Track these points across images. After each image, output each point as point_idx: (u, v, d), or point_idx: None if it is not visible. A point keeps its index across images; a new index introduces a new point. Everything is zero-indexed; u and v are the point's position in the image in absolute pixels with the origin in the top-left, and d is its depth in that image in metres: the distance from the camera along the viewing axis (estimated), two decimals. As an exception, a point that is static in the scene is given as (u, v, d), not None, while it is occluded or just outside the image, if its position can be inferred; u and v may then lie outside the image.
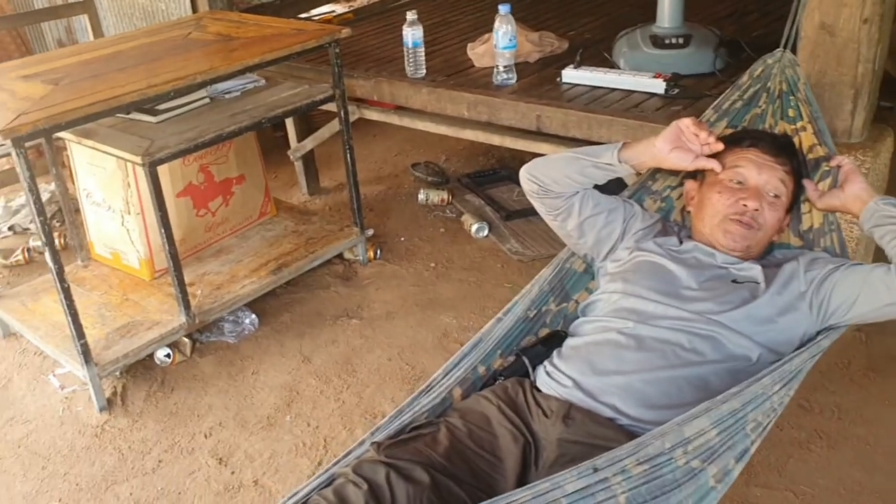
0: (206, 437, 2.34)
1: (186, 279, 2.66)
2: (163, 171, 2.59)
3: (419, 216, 3.52)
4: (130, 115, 2.56)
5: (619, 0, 3.80)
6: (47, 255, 2.17)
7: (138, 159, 2.30)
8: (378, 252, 3.18)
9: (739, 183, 1.72)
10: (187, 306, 2.54)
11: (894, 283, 1.53)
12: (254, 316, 2.78)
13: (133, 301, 2.67)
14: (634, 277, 1.69)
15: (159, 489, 2.16)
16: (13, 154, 2.06)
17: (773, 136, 1.85)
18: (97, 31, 3.70)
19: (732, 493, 1.99)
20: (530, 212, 3.40)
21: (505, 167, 3.84)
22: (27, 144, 2.09)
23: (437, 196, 3.57)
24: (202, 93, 2.68)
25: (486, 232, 3.30)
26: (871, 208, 1.66)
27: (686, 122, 1.70)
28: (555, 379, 1.58)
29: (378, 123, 3.40)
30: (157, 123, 2.54)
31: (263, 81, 2.92)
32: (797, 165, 1.79)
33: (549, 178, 1.77)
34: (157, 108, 2.55)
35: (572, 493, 1.21)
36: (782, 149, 1.76)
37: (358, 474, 1.38)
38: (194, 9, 3.66)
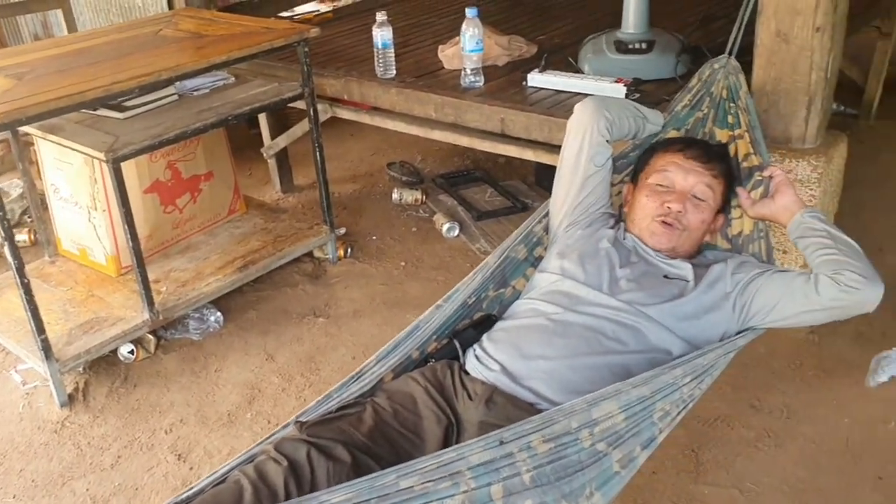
0: (166, 433, 2.36)
1: (153, 276, 2.68)
2: (129, 167, 2.62)
3: (392, 215, 3.55)
4: (98, 112, 2.58)
5: (593, 6, 3.84)
6: (6, 251, 2.18)
7: (102, 155, 2.32)
8: (348, 250, 3.21)
9: (667, 186, 1.80)
10: (151, 303, 2.56)
11: (812, 293, 1.58)
12: (219, 313, 2.80)
13: (98, 297, 2.69)
14: (576, 259, 1.76)
15: (116, 485, 2.18)
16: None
17: (706, 143, 1.93)
18: (71, 25, 3.71)
19: (680, 489, 2.05)
20: (501, 212, 3.45)
21: (479, 168, 3.88)
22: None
23: (410, 196, 3.60)
24: (170, 90, 2.71)
25: (456, 232, 3.33)
26: (797, 220, 1.71)
27: None
28: (483, 363, 1.63)
29: (356, 123, 3.42)
30: (124, 120, 2.56)
31: (233, 79, 2.94)
32: (727, 170, 1.85)
33: (617, 114, 1.91)
34: (124, 104, 2.57)
35: (477, 465, 1.23)
36: (712, 155, 1.84)
37: (279, 451, 1.41)
38: (170, 6, 3.68)
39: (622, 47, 2.77)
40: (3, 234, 2.16)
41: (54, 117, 2.31)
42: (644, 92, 2.59)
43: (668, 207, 1.77)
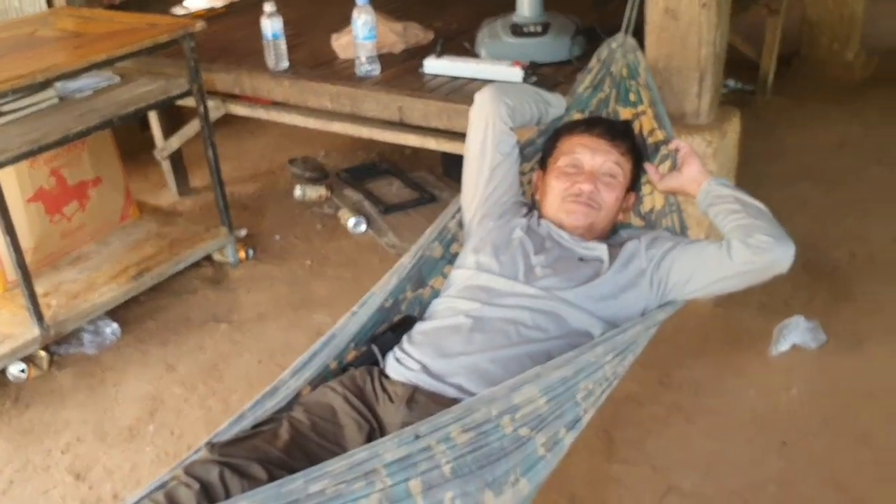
0: (62, 453, 2.23)
1: (41, 289, 2.54)
2: (8, 175, 2.48)
3: (296, 213, 3.46)
4: (-32, 118, 2.42)
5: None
6: None
7: (-28, 164, 2.17)
8: (250, 252, 3.11)
9: (576, 167, 1.79)
10: (40, 318, 2.42)
11: (726, 259, 1.58)
12: (115, 325, 2.67)
13: (-18, 315, 2.53)
14: (490, 251, 1.74)
15: (9, 511, 2.06)
16: None
17: (609, 121, 1.93)
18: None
19: (594, 470, 2.05)
20: (409, 205, 3.40)
21: (385, 161, 3.82)
22: None
23: (314, 192, 3.52)
24: (50, 92, 2.55)
25: (363, 227, 3.26)
26: (705, 189, 1.72)
27: None
28: (403, 364, 1.58)
29: (255, 121, 3.32)
30: (1, 125, 2.41)
31: (118, 79, 2.80)
32: (633, 147, 1.85)
33: (517, 100, 1.88)
34: (0, 108, 2.42)
35: (392, 462, 1.18)
36: (617, 133, 1.83)
37: (190, 475, 1.34)
38: (49, 5, 3.49)
39: (518, 31, 2.76)
40: None
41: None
42: (541, 75, 2.59)
43: (580, 188, 1.76)
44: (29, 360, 2.48)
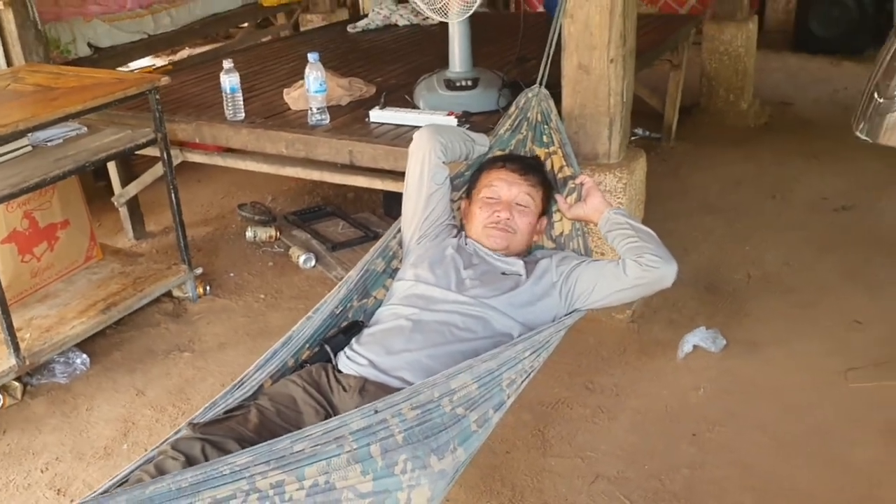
0: (42, 471, 2.40)
1: (14, 324, 2.71)
2: (-16, 218, 2.66)
3: (248, 253, 3.69)
4: (-52, 166, 2.62)
5: (422, 50, 4.20)
6: None
7: (-41, 206, 2.37)
8: (207, 288, 3.33)
9: (494, 198, 2.13)
10: (17, 349, 2.59)
11: (621, 274, 1.93)
12: (84, 356, 2.85)
13: (-42, 348, 2.68)
14: (427, 266, 2.04)
15: (-4, 526, 2.21)
16: None
17: (522, 158, 2.28)
18: None
19: (531, 463, 2.34)
20: (355, 242, 3.67)
21: (329, 204, 4.09)
22: None
23: (264, 233, 3.76)
24: (24, 141, 2.77)
25: (313, 262, 3.52)
26: (605, 217, 2.07)
27: None
28: (353, 361, 1.86)
29: (203, 169, 3.55)
30: (-23, 172, 2.61)
31: (85, 129, 3.02)
32: (543, 179, 2.19)
33: (449, 139, 2.19)
34: (-24, 157, 2.62)
35: (356, 430, 1.46)
36: (528, 168, 2.18)
37: (176, 449, 1.58)
38: (8, 63, 3.69)
39: (451, 85, 3.10)
40: None
41: None
42: (473, 123, 2.92)
43: (498, 216, 2.09)
44: (3, 389, 2.64)
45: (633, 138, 4.60)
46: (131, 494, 1.30)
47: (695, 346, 2.74)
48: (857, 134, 2.00)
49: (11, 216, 2.85)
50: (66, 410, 2.66)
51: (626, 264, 1.92)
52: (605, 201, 2.11)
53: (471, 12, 2.80)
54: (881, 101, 1.84)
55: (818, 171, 4.21)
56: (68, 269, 3.13)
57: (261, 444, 1.38)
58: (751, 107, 5.07)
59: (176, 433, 1.71)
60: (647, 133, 4.77)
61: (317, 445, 1.41)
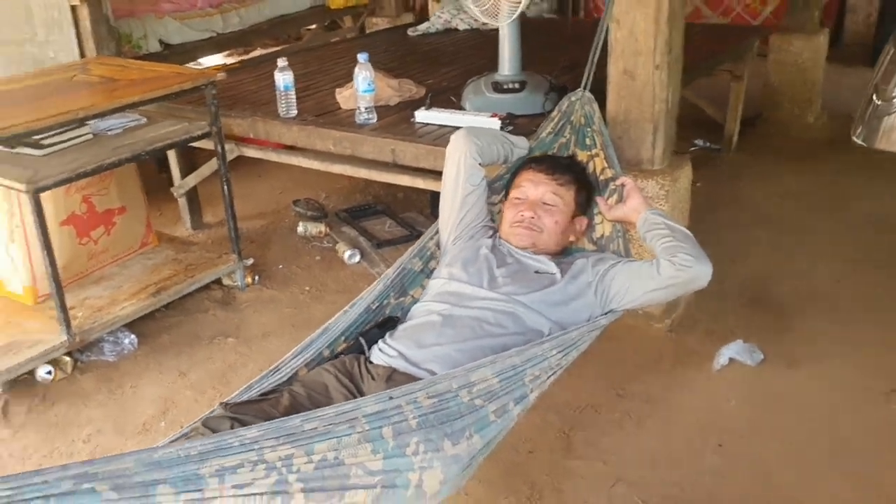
0: (84, 442, 2.52)
1: (68, 303, 2.84)
2: (46, 200, 2.79)
3: (298, 247, 3.79)
4: (16, 150, 2.76)
5: (477, 54, 4.23)
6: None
7: (23, 186, 2.51)
8: (256, 278, 3.43)
9: (522, 198, 2.16)
10: (68, 325, 2.73)
11: (655, 274, 1.92)
12: (133, 336, 2.98)
13: (16, 323, 2.83)
14: (460, 265, 2.07)
15: (38, 489, 2.33)
16: None
17: (553, 158, 2.30)
18: (-16, 75, 3.86)
19: (553, 464, 2.34)
20: (399, 241, 3.73)
21: (379, 203, 4.17)
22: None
23: (315, 228, 3.86)
24: (85, 129, 2.90)
25: (357, 258, 3.59)
26: (643, 218, 2.06)
27: None
28: (384, 352, 1.90)
29: (263, 165, 3.66)
30: (42, 157, 2.75)
31: (145, 120, 3.16)
32: (574, 178, 2.19)
33: (486, 141, 2.24)
34: (42, 142, 2.76)
35: (370, 413, 1.48)
36: (557, 167, 2.19)
37: (206, 426, 1.65)
38: (82, 56, 3.88)
39: (498, 87, 3.13)
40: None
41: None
42: (517, 125, 2.94)
43: (522, 214, 2.12)
44: (55, 364, 2.78)
45: (692, 149, 4.58)
46: (139, 456, 1.36)
47: (731, 359, 2.70)
48: (854, 139, 1.95)
49: (70, 200, 2.99)
50: (111, 388, 2.78)
51: (661, 264, 1.91)
52: (644, 202, 2.10)
53: (517, 14, 2.82)
54: (879, 103, 1.79)
55: (879, 189, 4.08)
56: (124, 253, 3.27)
57: (272, 421, 1.43)
58: (818, 120, 4.94)
59: (210, 412, 1.78)
60: (708, 144, 4.70)
61: (329, 425, 1.44)
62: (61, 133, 2.78)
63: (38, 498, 1.09)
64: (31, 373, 2.75)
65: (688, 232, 1.97)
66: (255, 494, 1.31)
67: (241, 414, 1.68)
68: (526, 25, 3.19)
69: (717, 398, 2.59)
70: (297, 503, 1.38)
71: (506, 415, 1.69)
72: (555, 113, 2.43)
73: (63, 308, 2.69)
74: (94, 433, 2.56)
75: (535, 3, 5.67)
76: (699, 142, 4.68)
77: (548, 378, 1.80)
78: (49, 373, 2.76)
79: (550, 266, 2.06)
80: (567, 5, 7.26)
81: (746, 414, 2.52)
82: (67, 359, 2.81)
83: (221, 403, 1.75)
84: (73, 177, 2.67)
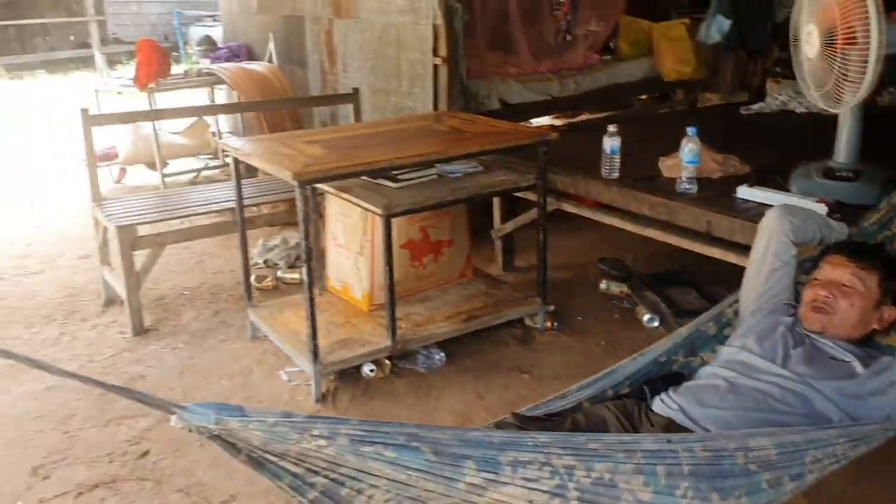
0: (391, 437, 2.89)
1: (396, 315, 3.28)
2: (392, 224, 3.27)
3: (598, 302, 3.97)
4: (377, 181, 3.26)
5: (812, 138, 4.11)
6: (303, 273, 2.88)
7: (380, 211, 2.98)
8: (555, 324, 3.66)
9: (820, 280, 2.15)
10: (394, 333, 3.15)
11: None
12: (442, 354, 3.35)
13: (352, 324, 3.33)
14: (755, 338, 2.12)
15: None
16: (297, 193, 2.78)
17: (858, 243, 2.26)
18: (357, 117, 4.57)
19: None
20: (701, 312, 3.73)
21: (686, 271, 4.20)
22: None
23: (617, 288, 4.01)
24: (433, 170, 3.35)
25: (656, 323, 3.68)
26: None
27: None
28: (666, 403, 2.01)
29: (577, 220, 3.90)
30: (396, 189, 3.22)
31: (481, 168, 3.55)
32: (879, 264, 2.12)
33: (801, 220, 2.28)
34: (398, 177, 3.24)
35: (647, 450, 1.59)
36: (861, 252, 2.15)
37: (496, 427, 1.88)
38: (435, 108, 4.44)
39: (830, 174, 3.05)
40: (304, 256, 2.86)
41: (347, 179, 3.02)
42: (844, 213, 2.85)
43: (817, 294, 2.11)
44: (378, 364, 3.22)
45: None
46: (455, 432, 1.54)
47: None
48: None
49: (411, 228, 3.46)
50: (419, 394, 3.15)
51: None
52: None
53: (857, 99, 2.76)
54: None
55: None
56: (445, 280, 3.68)
57: (562, 433, 1.61)
58: None
59: (502, 419, 2.03)
60: None
61: (609, 449, 1.59)
62: (413, 171, 3.24)
63: (380, 443, 1.36)
64: (358, 368, 3.20)
65: None
66: (539, 490, 1.49)
67: (525, 425, 1.89)
68: (871, 113, 3.10)
69: None
70: None
71: (779, 487, 1.70)
72: (883, 204, 2.37)
73: (392, 318, 3.11)
74: (399, 430, 2.92)
75: (889, 93, 5.33)
76: None
77: (830, 464, 1.78)
78: (372, 370, 3.19)
79: (847, 355, 2.03)
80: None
81: None
82: (388, 362, 3.24)
83: (512, 413, 1.97)
84: (419, 208, 3.11)
